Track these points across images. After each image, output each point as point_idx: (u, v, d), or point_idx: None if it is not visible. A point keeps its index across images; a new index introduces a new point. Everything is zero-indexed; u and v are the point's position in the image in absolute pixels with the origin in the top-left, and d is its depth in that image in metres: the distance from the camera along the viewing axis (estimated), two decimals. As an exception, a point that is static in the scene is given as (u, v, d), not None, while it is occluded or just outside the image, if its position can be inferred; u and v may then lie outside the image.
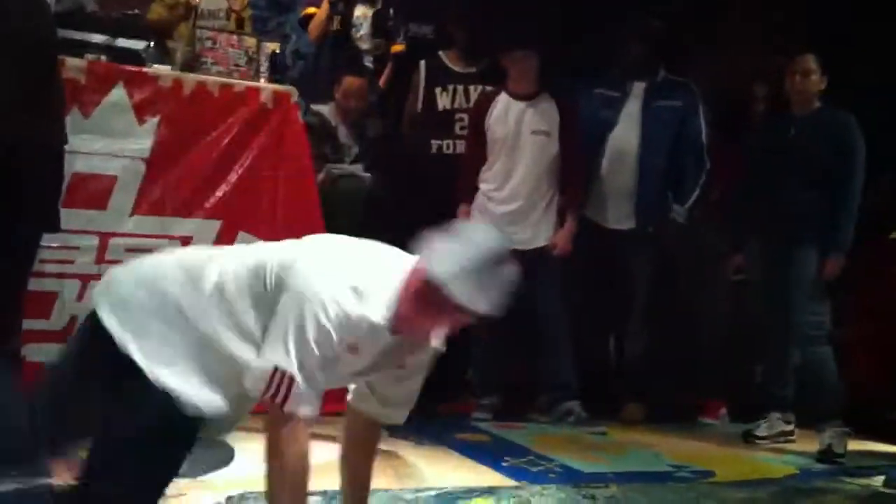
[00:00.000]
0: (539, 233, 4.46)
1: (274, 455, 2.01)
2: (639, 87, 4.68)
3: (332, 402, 3.23)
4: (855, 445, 4.09)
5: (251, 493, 2.50)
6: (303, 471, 2.02)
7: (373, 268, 2.12)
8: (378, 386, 2.26)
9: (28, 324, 3.49)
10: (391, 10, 4.94)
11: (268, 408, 2.03)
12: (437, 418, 3.89)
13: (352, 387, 2.33)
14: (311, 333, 1.99)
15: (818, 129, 4.25)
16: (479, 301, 2.02)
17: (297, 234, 3.62)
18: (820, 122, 4.26)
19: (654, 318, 4.60)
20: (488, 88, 4.65)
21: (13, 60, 3.29)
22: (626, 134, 4.64)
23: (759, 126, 4.76)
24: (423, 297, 2.03)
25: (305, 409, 2.00)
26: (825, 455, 3.95)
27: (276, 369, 1.99)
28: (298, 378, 1.98)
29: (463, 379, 4.49)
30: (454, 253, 2.03)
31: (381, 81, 4.86)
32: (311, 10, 4.88)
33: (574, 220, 4.49)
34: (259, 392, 2.02)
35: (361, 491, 2.34)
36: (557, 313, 4.43)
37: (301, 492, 2.03)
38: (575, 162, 4.51)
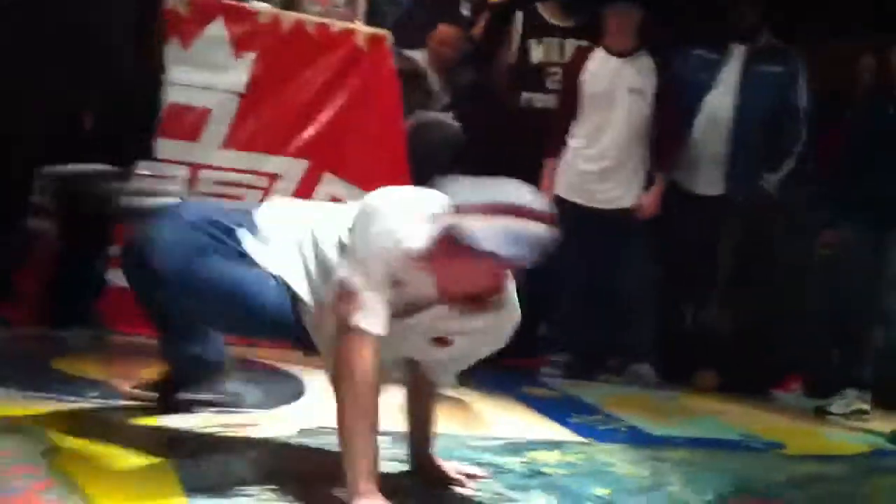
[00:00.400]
0: (626, 193, 4.42)
1: (342, 369, 2.02)
2: (739, 51, 4.56)
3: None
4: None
5: (325, 427, 2.52)
6: (371, 386, 2.01)
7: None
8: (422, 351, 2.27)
9: (117, 250, 3.61)
10: (491, -41, 4.89)
11: (338, 323, 2.05)
12: (506, 371, 3.91)
13: None
14: (375, 254, 2.03)
15: None
16: (502, 248, 1.95)
17: (381, 180, 3.66)
18: None
19: (738, 287, 4.53)
20: (584, 43, 4.59)
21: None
22: (722, 98, 4.53)
23: (861, 102, 4.61)
24: (447, 246, 2.01)
25: (369, 322, 2.01)
26: None
27: (342, 282, 2.04)
28: (361, 292, 2.01)
29: (534, 334, 4.50)
30: (479, 200, 2.00)
31: (476, 31, 4.83)
32: (410, -46, 4.88)
33: (662, 183, 4.44)
34: (329, 304, 2.09)
35: (424, 435, 2.37)
36: (639, 275, 4.41)
37: (370, 406, 2.00)
38: (669, 123, 4.44)
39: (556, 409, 3.57)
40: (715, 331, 4.54)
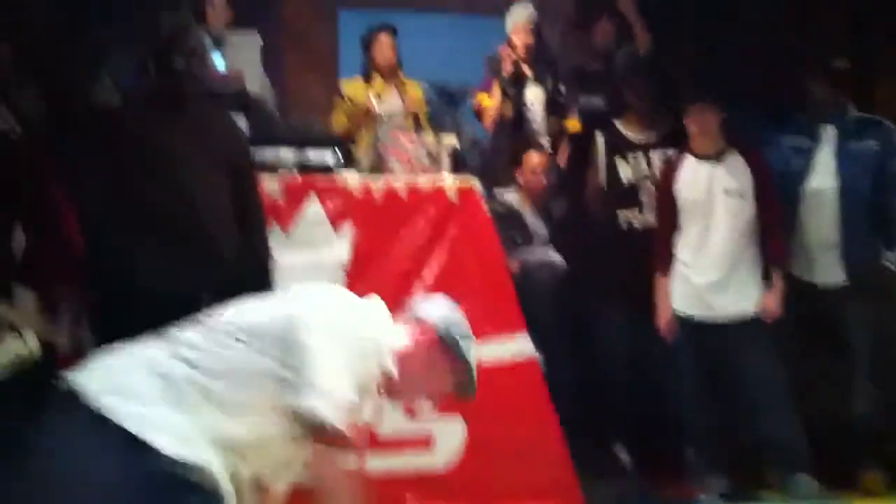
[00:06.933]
0: (745, 298, 4.22)
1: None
2: (829, 131, 4.45)
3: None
4: None
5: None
6: None
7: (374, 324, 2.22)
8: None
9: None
10: (562, 87, 4.89)
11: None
12: (661, 501, 3.72)
13: None
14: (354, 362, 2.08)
15: None
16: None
17: (496, 327, 3.58)
18: None
19: (885, 376, 4.30)
20: (671, 152, 4.52)
21: (218, 186, 3.43)
22: (822, 181, 4.38)
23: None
24: (433, 355, 2.18)
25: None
26: None
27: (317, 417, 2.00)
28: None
29: (682, 459, 4.30)
30: (453, 319, 2.23)
31: (560, 160, 4.80)
32: (482, 96, 4.91)
33: (781, 280, 4.25)
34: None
35: None
36: (775, 381, 4.18)
37: None
38: (774, 218, 4.28)
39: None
40: (871, 425, 4.28)
